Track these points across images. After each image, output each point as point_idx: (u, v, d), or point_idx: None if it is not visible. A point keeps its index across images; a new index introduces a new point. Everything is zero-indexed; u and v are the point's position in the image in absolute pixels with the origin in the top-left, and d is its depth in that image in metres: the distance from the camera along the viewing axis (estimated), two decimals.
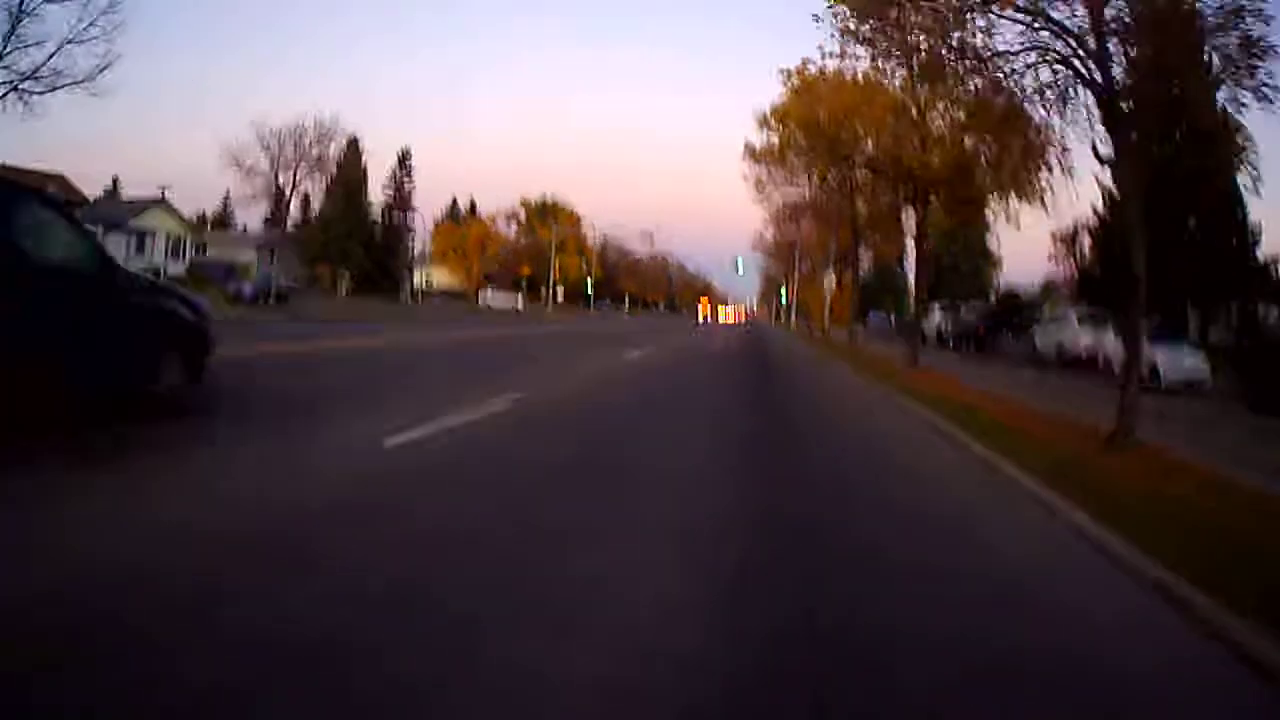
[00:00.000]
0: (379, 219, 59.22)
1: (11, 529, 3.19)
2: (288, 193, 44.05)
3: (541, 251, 79.14)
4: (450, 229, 75.13)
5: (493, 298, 63.80)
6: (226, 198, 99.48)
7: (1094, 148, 8.66)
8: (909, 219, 17.23)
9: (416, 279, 79.66)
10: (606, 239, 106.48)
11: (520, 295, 67.23)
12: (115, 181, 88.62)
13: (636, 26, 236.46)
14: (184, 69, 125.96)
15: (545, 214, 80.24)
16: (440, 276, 74.63)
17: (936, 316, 33.95)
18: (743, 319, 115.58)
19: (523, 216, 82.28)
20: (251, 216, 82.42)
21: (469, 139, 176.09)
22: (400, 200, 58.48)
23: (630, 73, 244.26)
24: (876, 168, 15.44)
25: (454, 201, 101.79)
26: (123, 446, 4.70)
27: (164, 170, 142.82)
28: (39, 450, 4.41)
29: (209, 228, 69.15)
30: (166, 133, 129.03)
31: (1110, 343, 18.79)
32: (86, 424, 5.07)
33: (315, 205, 58.50)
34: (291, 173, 43.70)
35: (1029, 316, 30.08)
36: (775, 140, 16.64)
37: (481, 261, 71.94)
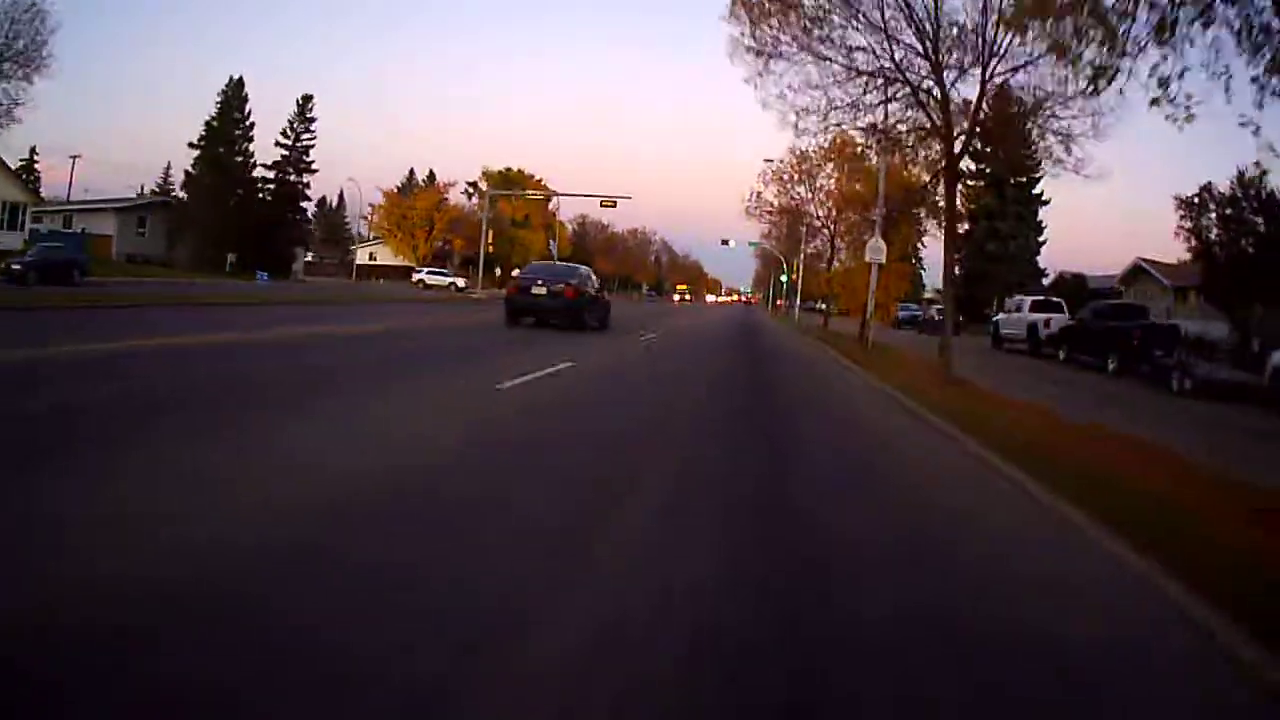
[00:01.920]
0: (273, 182, 46.73)
1: (577, 342, 15.52)
2: None
3: (504, 228, 68.26)
4: (395, 200, 63.59)
5: (428, 276, 52.51)
6: (168, 167, 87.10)
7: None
8: None
9: (361, 256, 69.04)
10: (585, 217, 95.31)
11: (459, 275, 55.88)
12: (33, 151, 77.27)
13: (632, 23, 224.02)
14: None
15: (510, 184, 69.19)
16: (386, 254, 64.03)
17: (1025, 312, 22.91)
18: (738, 300, 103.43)
19: (484, 186, 70.50)
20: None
21: (461, 117, 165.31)
22: (294, 157, 45.91)
23: (625, 57, 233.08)
24: None
25: (410, 173, 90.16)
26: (585, 334, 17.84)
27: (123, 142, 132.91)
28: (579, 334, 17.41)
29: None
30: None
31: None
32: (591, 331, 18.68)
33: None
34: None
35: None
36: None
37: (430, 237, 61.06)
